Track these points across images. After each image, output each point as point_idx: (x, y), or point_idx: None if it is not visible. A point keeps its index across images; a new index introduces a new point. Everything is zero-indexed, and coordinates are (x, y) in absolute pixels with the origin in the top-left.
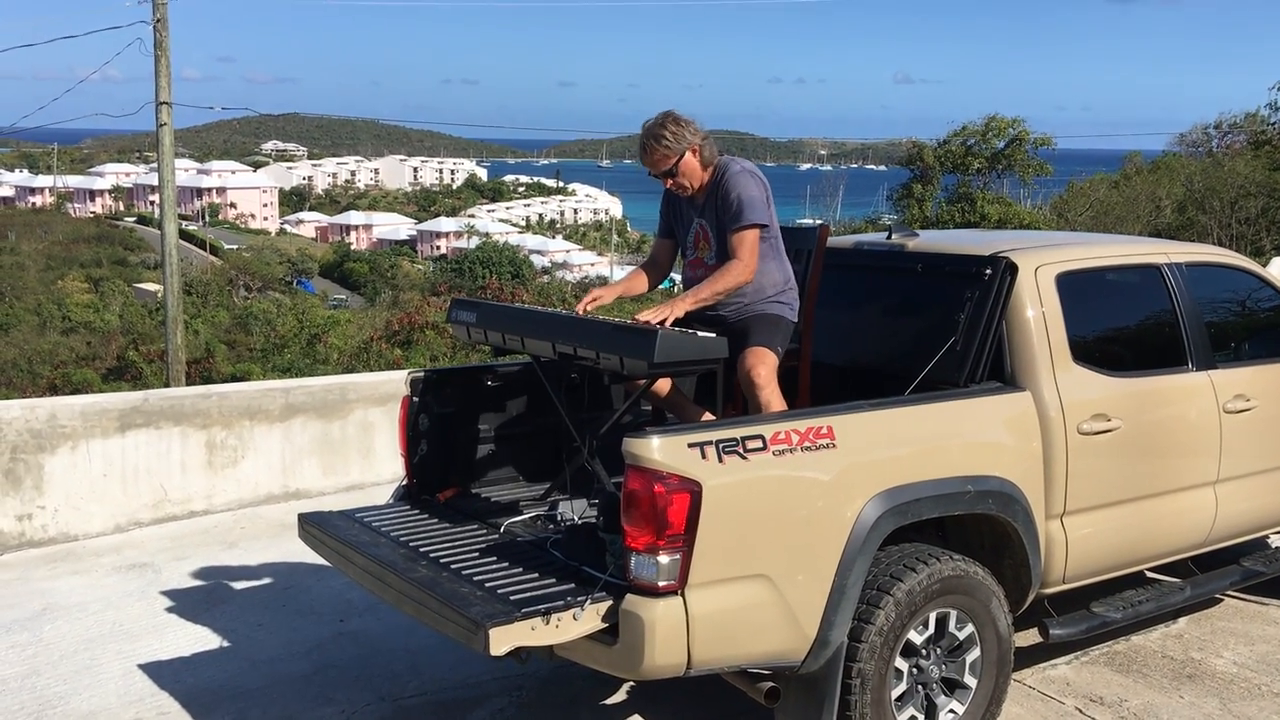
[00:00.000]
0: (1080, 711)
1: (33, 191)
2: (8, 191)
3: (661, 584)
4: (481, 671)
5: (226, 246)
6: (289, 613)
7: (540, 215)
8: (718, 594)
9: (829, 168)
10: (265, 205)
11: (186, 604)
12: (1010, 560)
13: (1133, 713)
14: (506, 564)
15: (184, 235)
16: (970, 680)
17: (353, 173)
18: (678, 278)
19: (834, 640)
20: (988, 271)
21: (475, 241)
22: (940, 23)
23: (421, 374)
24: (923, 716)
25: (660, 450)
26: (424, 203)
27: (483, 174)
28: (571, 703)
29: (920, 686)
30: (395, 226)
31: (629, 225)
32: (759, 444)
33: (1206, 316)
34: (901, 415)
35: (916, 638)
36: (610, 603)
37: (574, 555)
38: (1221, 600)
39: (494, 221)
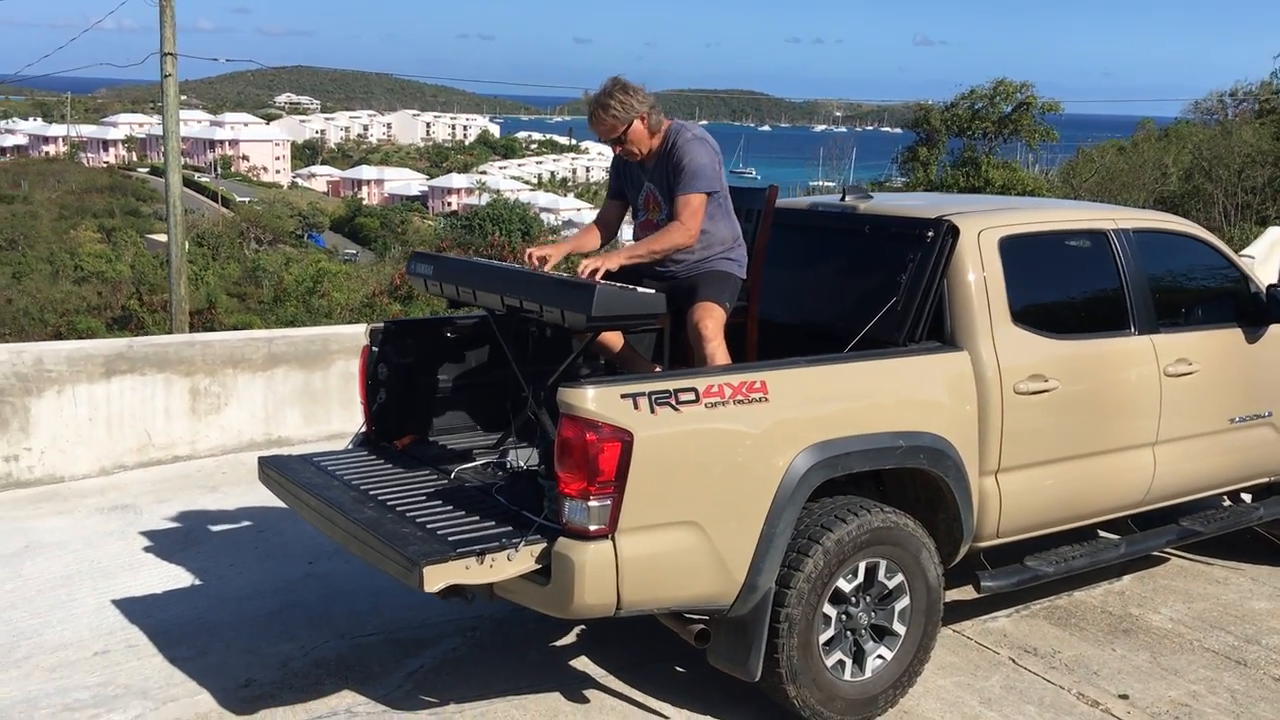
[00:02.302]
0: (1013, 661)
1: (46, 140)
2: (21, 140)
3: (592, 528)
4: (439, 613)
5: (238, 199)
6: (261, 554)
7: (552, 173)
8: (647, 539)
9: (844, 129)
10: (278, 158)
11: (163, 544)
12: (943, 514)
13: (1064, 664)
14: (451, 507)
15: (196, 187)
16: (899, 628)
17: (365, 127)
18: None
19: (762, 586)
20: (929, 234)
21: (486, 198)
22: None
23: (381, 325)
24: (850, 661)
25: (593, 400)
26: (436, 159)
27: (495, 130)
28: (522, 643)
29: (849, 632)
30: (407, 182)
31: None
32: (691, 396)
33: (1153, 282)
34: (835, 372)
35: (846, 586)
36: (544, 545)
37: (515, 500)
38: (1168, 560)
39: (506, 179)
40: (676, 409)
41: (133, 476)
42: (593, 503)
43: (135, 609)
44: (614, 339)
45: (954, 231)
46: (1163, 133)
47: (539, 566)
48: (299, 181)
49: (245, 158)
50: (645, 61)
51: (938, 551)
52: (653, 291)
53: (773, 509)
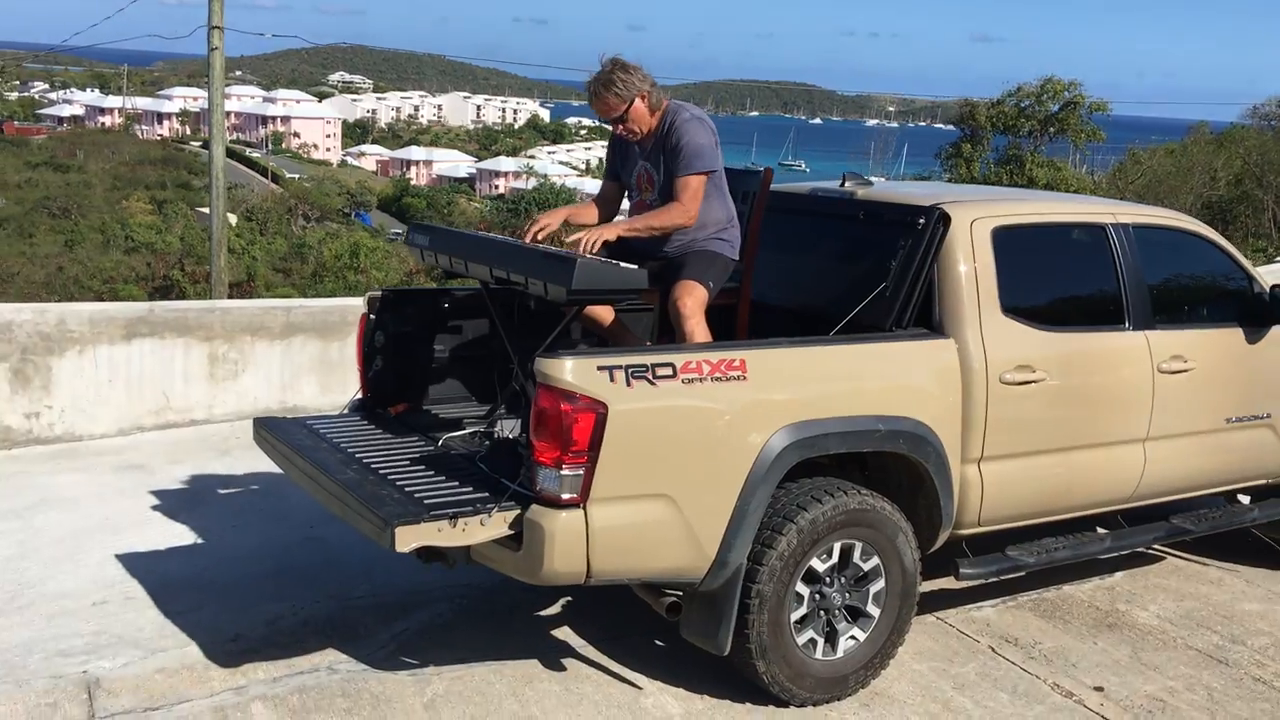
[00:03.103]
0: (992, 650)
1: (102, 112)
2: (78, 110)
3: (564, 497)
4: (429, 579)
5: (288, 175)
6: (264, 517)
7: (600, 160)
8: (619, 509)
9: (896, 125)
10: (328, 136)
11: (171, 504)
12: (924, 500)
13: (1043, 654)
14: (433, 472)
15: (246, 162)
16: (873, 609)
17: (416, 108)
18: None
19: (733, 561)
20: (921, 221)
21: (533, 183)
22: None
23: (379, 293)
24: (823, 640)
25: (570, 371)
26: (485, 141)
27: (545, 115)
28: (508, 611)
29: (822, 612)
30: (455, 164)
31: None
32: (669, 371)
33: (1151, 278)
34: (816, 354)
35: (819, 566)
36: (518, 512)
37: (495, 467)
38: (1164, 559)
39: (554, 163)
40: (653, 383)
41: (149, 438)
42: (566, 472)
43: (137, 564)
44: (604, 314)
45: (945, 220)
46: (1217, 138)
47: (512, 532)
48: (349, 160)
49: (296, 134)
50: (697, 50)
51: (917, 537)
52: (635, 267)
53: (746, 486)
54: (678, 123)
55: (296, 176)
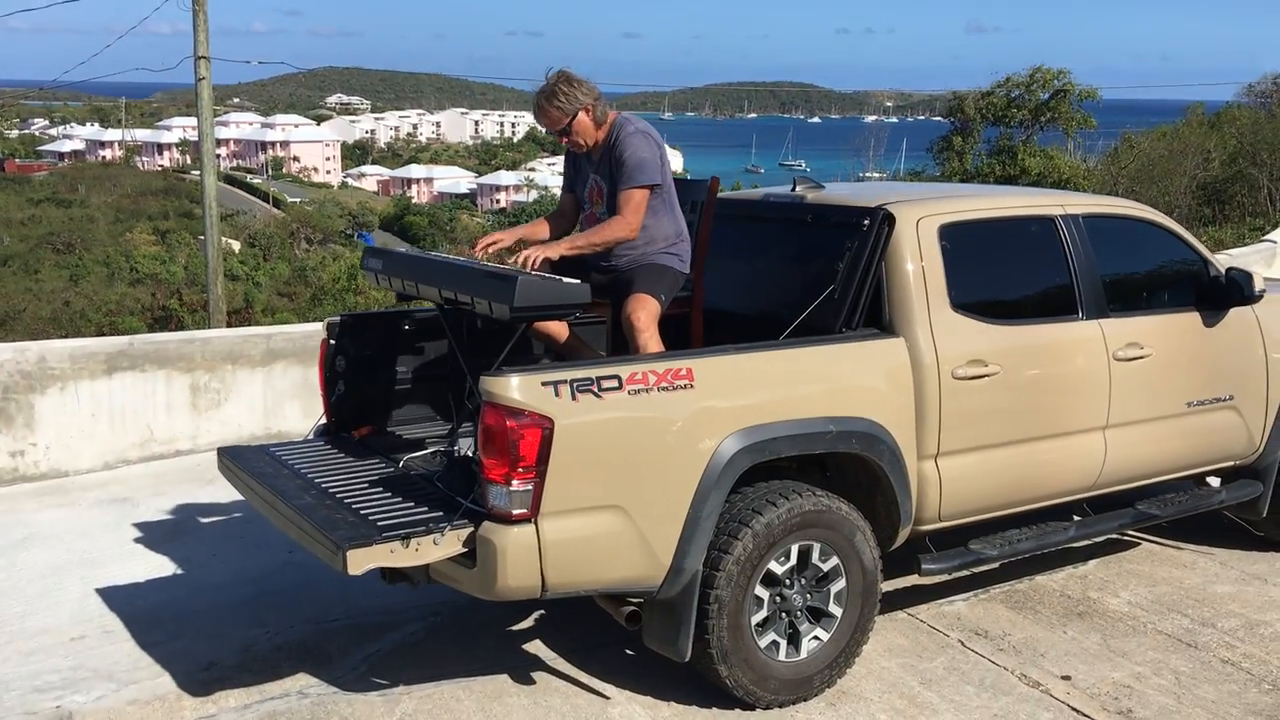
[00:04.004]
0: (962, 644)
1: (102, 145)
2: (78, 145)
3: (515, 512)
4: (404, 600)
5: (289, 199)
6: (244, 544)
7: None
8: (570, 522)
9: (895, 120)
10: (328, 159)
11: (154, 535)
12: (882, 498)
13: (1012, 646)
14: (390, 494)
15: (247, 188)
16: (835, 609)
17: (415, 126)
18: None
19: (689, 568)
20: (866, 223)
21: (534, 195)
22: None
23: (339, 319)
24: (785, 642)
25: (514, 388)
26: (485, 156)
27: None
28: (479, 628)
29: (784, 614)
30: (456, 180)
31: (689, 179)
32: (614, 384)
33: (1104, 267)
34: (763, 359)
35: (778, 568)
36: (471, 530)
37: (450, 486)
38: (1138, 544)
39: (554, 175)
40: (599, 396)
41: (134, 471)
42: (515, 487)
43: (116, 597)
44: (559, 329)
45: (890, 220)
46: (1213, 117)
47: (466, 550)
48: (349, 181)
49: (296, 159)
50: (693, 55)
51: (877, 535)
52: (577, 282)
53: (698, 493)
54: (622, 136)
55: (298, 200)
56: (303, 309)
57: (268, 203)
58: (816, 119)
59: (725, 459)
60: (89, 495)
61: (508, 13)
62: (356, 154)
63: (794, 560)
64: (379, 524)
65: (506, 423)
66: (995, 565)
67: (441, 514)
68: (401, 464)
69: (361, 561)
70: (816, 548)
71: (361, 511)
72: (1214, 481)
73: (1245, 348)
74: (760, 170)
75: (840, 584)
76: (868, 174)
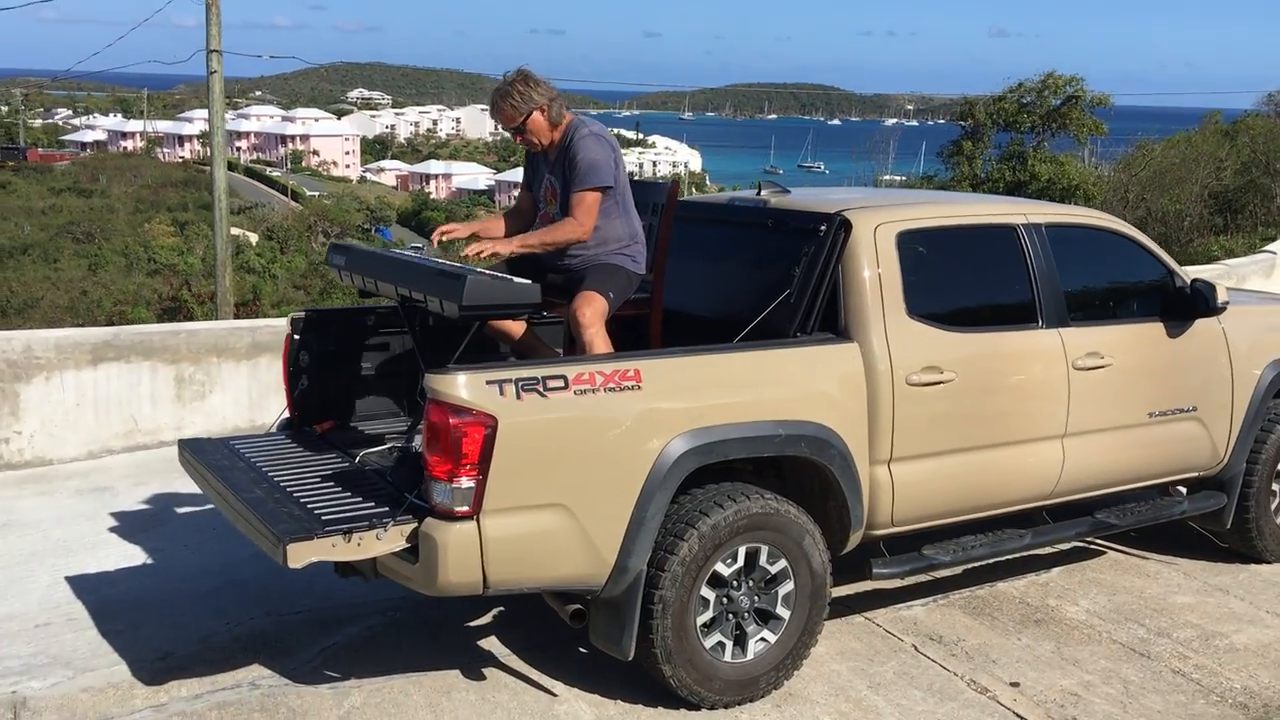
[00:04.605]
0: (915, 649)
1: (124, 136)
2: (101, 135)
3: (457, 509)
4: (366, 592)
5: (308, 193)
6: (216, 536)
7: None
8: (513, 520)
9: (915, 123)
10: (347, 153)
11: (129, 525)
12: (833, 502)
13: (964, 651)
14: (340, 489)
15: (266, 181)
16: (783, 611)
17: (435, 122)
18: None
19: (633, 567)
20: (822, 228)
21: None
22: None
23: (303, 314)
24: (731, 643)
25: (457, 385)
26: (503, 153)
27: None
28: (437, 624)
29: (731, 615)
30: (474, 176)
31: (707, 179)
32: (560, 384)
33: (1066, 276)
34: (712, 361)
35: (725, 570)
36: (415, 525)
37: (399, 482)
38: (1104, 553)
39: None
40: (544, 395)
41: (118, 460)
42: (457, 484)
43: (85, 586)
44: (514, 328)
45: (846, 226)
46: (1229, 126)
47: (409, 545)
48: (368, 176)
49: (316, 153)
50: (714, 55)
51: (829, 539)
52: (528, 281)
53: (643, 493)
54: (576, 139)
55: (316, 194)
56: (315, 301)
57: (286, 196)
58: (837, 121)
59: (671, 460)
60: (70, 484)
61: (530, 10)
62: (376, 149)
63: (741, 562)
64: (323, 518)
65: (450, 420)
66: (958, 571)
67: (387, 509)
68: (358, 459)
69: (302, 555)
70: (764, 550)
71: (308, 505)
72: (1183, 490)
73: (1210, 359)
74: (779, 171)
75: (788, 586)
76: (885, 177)
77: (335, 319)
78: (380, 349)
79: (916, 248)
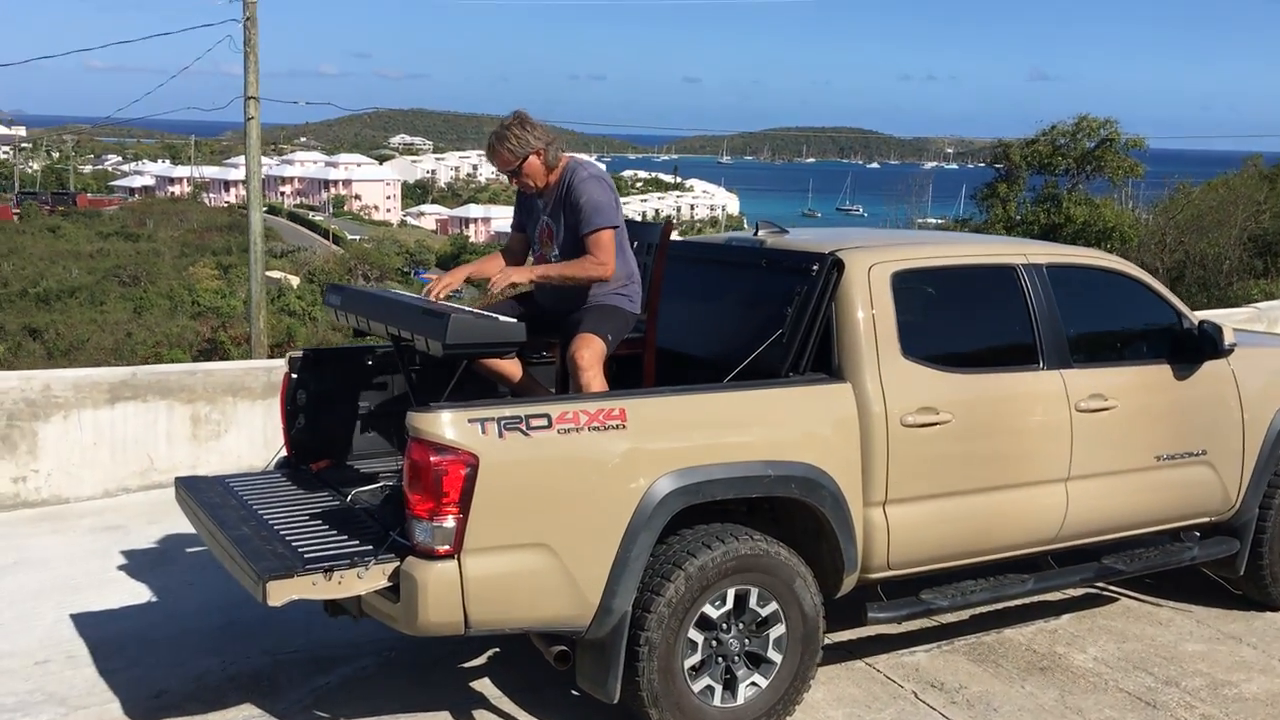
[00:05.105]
0: (915, 695)
1: (171, 181)
2: (149, 181)
3: (438, 548)
4: (361, 632)
5: (349, 237)
6: (221, 574)
7: (656, 210)
8: (494, 560)
9: (955, 166)
10: (388, 197)
11: (138, 563)
12: (826, 544)
13: (966, 700)
14: (328, 527)
15: (309, 225)
16: (774, 655)
17: (475, 166)
18: None
19: (617, 609)
20: (814, 268)
21: None
22: (1079, 19)
23: (300, 353)
24: (721, 687)
25: (439, 424)
26: None
27: (602, 169)
28: (431, 664)
29: (720, 658)
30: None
31: (745, 222)
32: (544, 422)
33: (1068, 317)
34: (700, 401)
35: (713, 612)
36: (396, 564)
37: (385, 520)
38: (1116, 600)
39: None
40: (527, 434)
41: (133, 499)
42: (438, 523)
43: (88, 623)
44: (511, 369)
45: (839, 265)
46: (1271, 169)
47: (390, 584)
48: (408, 220)
49: (358, 197)
50: (753, 100)
51: (822, 582)
52: (514, 320)
53: (628, 533)
54: (576, 181)
55: (357, 238)
56: (351, 343)
57: (328, 239)
58: (875, 164)
59: (656, 499)
60: (84, 522)
61: (570, 57)
62: (417, 193)
63: (730, 604)
64: (305, 555)
65: (431, 458)
66: (965, 616)
67: (370, 548)
68: (349, 498)
69: (282, 592)
70: (754, 592)
71: (293, 543)
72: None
73: (1219, 402)
74: (817, 215)
75: (780, 630)
76: (924, 220)
77: (333, 358)
78: (379, 388)
79: (912, 288)
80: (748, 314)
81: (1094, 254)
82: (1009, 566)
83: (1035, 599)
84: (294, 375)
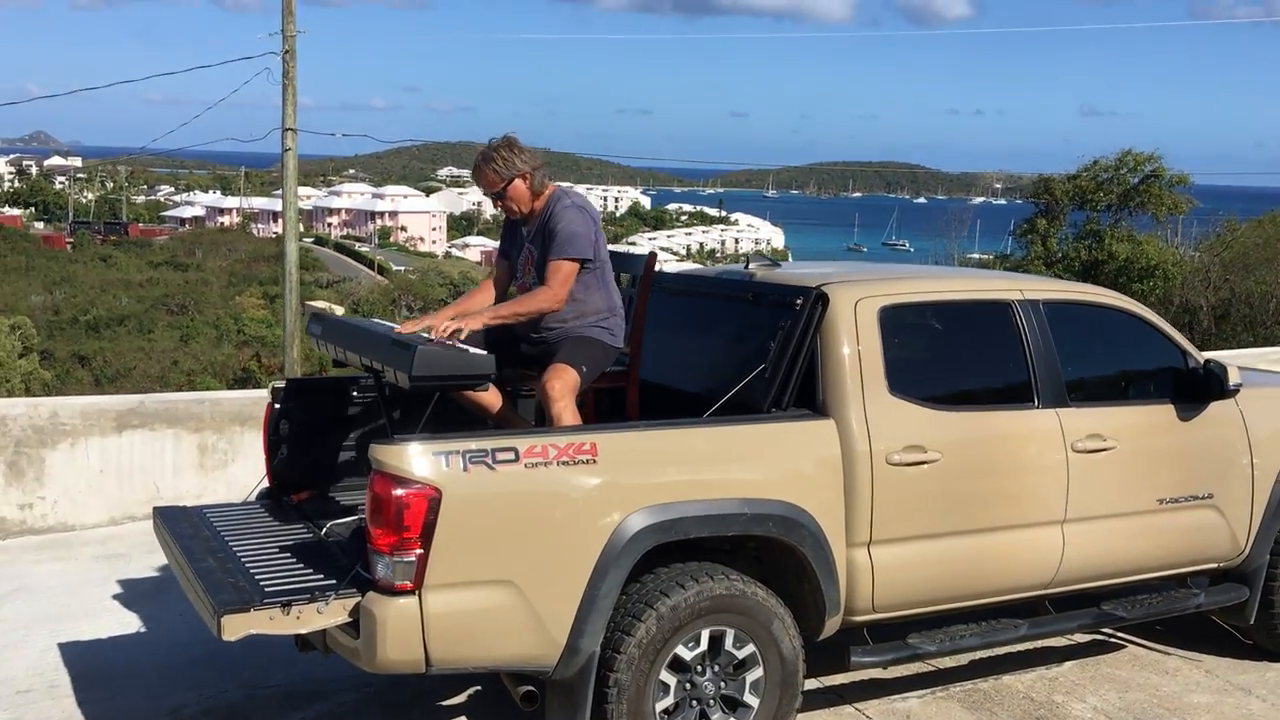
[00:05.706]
0: None
1: (221, 212)
2: (199, 211)
3: (398, 583)
4: (342, 668)
5: (394, 268)
6: None
7: (701, 244)
8: (457, 596)
9: (1003, 202)
10: (434, 229)
11: (133, 593)
12: (808, 585)
13: None
14: (296, 560)
15: (355, 255)
16: (751, 699)
17: None
18: None
19: (585, 648)
20: (799, 302)
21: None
22: (1131, 54)
23: (283, 383)
24: None
25: (401, 456)
26: None
27: (646, 202)
28: (409, 701)
29: (695, 701)
30: None
31: (790, 256)
32: (510, 456)
33: (1066, 355)
34: (674, 436)
35: (686, 653)
36: (357, 599)
37: (351, 554)
38: (1124, 647)
39: (654, 249)
40: (492, 468)
41: (138, 528)
42: (399, 558)
43: (74, 653)
44: (491, 400)
45: (823, 300)
46: None
47: (350, 620)
48: (453, 251)
49: (403, 228)
50: (800, 134)
51: (804, 624)
52: (483, 353)
53: (596, 570)
54: (557, 209)
55: (402, 269)
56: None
57: (373, 270)
58: (923, 199)
59: (626, 536)
60: (87, 550)
61: (618, 91)
62: (462, 224)
63: (705, 645)
64: (266, 589)
65: (393, 491)
66: (963, 662)
67: (333, 582)
68: (324, 530)
69: (238, 627)
70: (730, 633)
71: (257, 576)
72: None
73: (1227, 444)
74: (863, 249)
75: (757, 673)
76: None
77: (316, 388)
78: (363, 419)
79: (900, 323)
80: (733, 348)
81: (1096, 290)
82: (1005, 611)
83: (1037, 644)
84: (276, 405)
